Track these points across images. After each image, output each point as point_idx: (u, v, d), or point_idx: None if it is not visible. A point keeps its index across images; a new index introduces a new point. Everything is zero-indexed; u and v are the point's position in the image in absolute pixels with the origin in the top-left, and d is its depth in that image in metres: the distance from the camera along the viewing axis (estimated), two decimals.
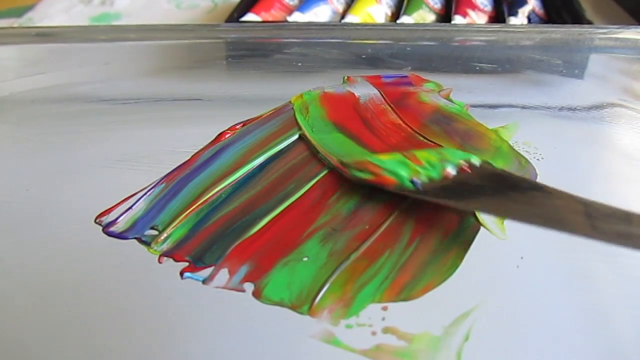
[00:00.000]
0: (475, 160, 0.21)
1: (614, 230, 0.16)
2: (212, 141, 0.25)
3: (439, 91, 0.28)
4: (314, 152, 0.23)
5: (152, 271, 0.19)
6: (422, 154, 0.21)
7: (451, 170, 0.20)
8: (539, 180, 0.22)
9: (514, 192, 0.19)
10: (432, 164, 0.20)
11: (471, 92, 0.28)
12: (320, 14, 0.44)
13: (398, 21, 0.44)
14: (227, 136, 0.25)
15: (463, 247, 0.19)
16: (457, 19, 0.43)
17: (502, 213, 0.19)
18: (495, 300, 0.17)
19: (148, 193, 0.22)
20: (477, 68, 0.31)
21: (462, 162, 0.20)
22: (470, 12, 0.43)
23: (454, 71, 0.32)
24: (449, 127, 0.25)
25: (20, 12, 0.51)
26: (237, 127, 0.26)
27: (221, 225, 0.20)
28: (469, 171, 0.20)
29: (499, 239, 0.19)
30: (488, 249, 0.19)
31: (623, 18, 0.44)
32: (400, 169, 0.20)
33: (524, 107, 0.27)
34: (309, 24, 0.41)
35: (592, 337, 0.16)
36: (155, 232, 0.20)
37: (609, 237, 0.16)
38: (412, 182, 0.20)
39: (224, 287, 0.18)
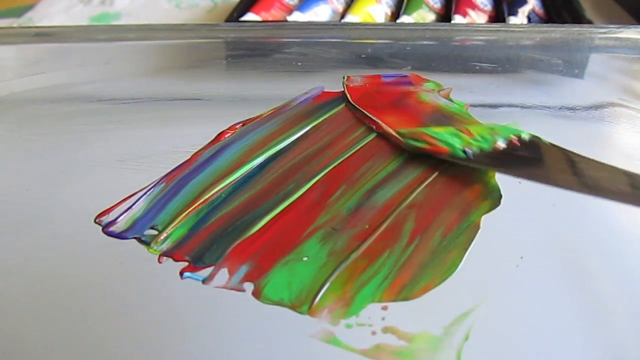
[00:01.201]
0: (525, 135, 0.22)
1: None
2: (212, 141, 0.25)
3: (439, 91, 0.28)
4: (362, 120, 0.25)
5: (151, 271, 0.19)
6: (474, 128, 0.22)
7: (501, 144, 0.21)
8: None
9: (560, 162, 0.21)
10: (483, 137, 0.22)
11: (471, 92, 0.28)
12: (320, 14, 0.44)
13: (398, 21, 0.44)
14: (227, 136, 0.25)
15: (463, 247, 0.19)
16: (457, 19, 0.43)
17: (547, 181, 0.20)
18: (495, 300, 0.17)
19: (148, 193, 0.22)
20: (477, 68, 0.31)
21: (512, 136, 0.22)
22: (470, 11, 0.43)
23: (454, 71, 0.32)
24: None
25: (19, 12, 0.51)
26: (237, 126, 0.26)
27: (221, 225, 0.20)
28: (518, 145, 0.21)
29: (499, 239, 0.19)
30: (488, 249, 0.19)
31: (623, 18, 0.44)
32: (454, 140, 0.22)
33: (523, 107, 0.27)
34: (309, 24, 0.41)
35: (592, 337, 0.16)
36: (155, 232, 0.20)
37: None
38: (464, 151, 0.21)
39: (223, 287, 0.18)
